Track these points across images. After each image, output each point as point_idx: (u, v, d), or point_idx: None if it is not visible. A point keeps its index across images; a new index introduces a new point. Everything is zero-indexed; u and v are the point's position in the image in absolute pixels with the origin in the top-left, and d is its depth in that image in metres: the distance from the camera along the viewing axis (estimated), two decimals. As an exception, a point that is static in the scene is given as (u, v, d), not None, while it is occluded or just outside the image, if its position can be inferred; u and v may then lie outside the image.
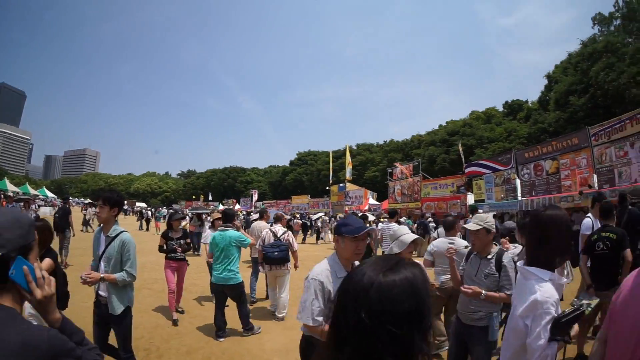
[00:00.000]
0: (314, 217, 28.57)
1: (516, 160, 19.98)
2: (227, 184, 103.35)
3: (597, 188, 14.79)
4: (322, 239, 25.73)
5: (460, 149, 27.88)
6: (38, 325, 1.39)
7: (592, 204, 6.39)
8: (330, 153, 47.87)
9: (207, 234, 9.05)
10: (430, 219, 19.42)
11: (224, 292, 6.45)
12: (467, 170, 24.08)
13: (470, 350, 3.68)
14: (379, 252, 11.77)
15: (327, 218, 28.06)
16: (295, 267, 7.92)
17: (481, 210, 18.33)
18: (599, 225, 5.56)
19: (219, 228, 6.89)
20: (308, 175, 78.91)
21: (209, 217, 23.21)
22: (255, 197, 54.49)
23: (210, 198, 75.10)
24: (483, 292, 3.49)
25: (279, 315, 7.47)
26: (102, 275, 3.89)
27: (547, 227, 2.37)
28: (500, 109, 58.01)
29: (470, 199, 23.15)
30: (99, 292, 4.09)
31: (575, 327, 2.27)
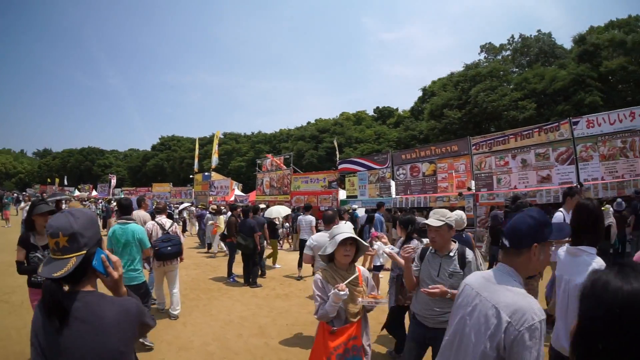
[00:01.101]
0: (180, 207, 24.87)
1: (392, 161, 19.60)
2: (84, 167, 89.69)
3: (474, 191, 15.57)
4: (187, 231, 23.66)
5: (336, 145, 26.74)
6: (123, 297, 1.82)
7: (564, 198, 6.73)
8: (197, 139, 44.42)
9: None
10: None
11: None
12: (340, 166, 22.99)
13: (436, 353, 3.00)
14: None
15: (193, 209, 24.95)
16: (181, 259, 7.45)
17: (355, 206, 17.44)
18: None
19: (118, 221, 6.16)
20: (170, 162, 72.19)
21: (65, 206, 19.43)
22: (113, 182, 47.81)
23: (65, 182, 65.60)
24: (449, 291, 3.31)
25: (174, 313, 7.14)
26: None
27: (596, 214, 3.08)
28: (371, 113, 61.25)
29: (342, 194, 22.21)
30: None
31: None
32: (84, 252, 1.67)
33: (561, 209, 6.54)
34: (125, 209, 6.28)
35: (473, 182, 15.91)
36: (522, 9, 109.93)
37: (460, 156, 16.79)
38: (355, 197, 20.90)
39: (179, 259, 7.27)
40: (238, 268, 10.86)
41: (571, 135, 13.30)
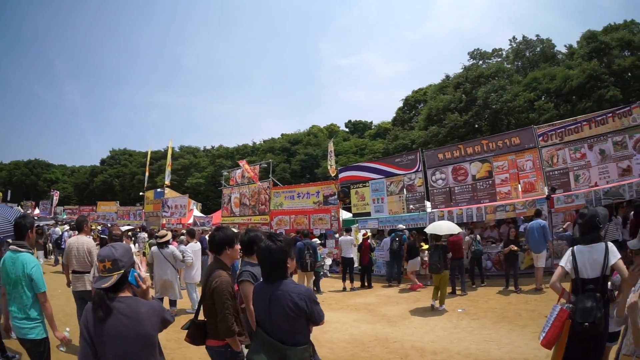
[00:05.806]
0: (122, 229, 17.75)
1: (424, 163, 15.27)
2: (30, 181, 79.55)
3: (546, 193, 12.91)
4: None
5: (331, 147, 21.11)
6: (150, 300, 2.62)
7: None
8: (149, 150, 38.76)
9: None
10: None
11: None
12: (342, 174, 18.01)
13: None
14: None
15: (144, 235, 17.97)
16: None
17: (402, 226, 13.50)
18: None
19: (10, 247, 4.23)
20: (120, 178, 64.47)
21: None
22: (55, 200, 39.84)
23: (9, 197, 56.92)
24: None
25: None
26: None
27: None
28: (342, 128, 59.35)
29: (346, 212, 17.63)
30: None
31: None
32: (122, 271, 2.45)
33: None
34: (19, 231, 4.31)
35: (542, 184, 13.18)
36: (478, 38, 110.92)
37: (525, 150, 13.49)
38: (368, 214, 16.16)
39: None
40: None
41: (645, 120, 11.68)
